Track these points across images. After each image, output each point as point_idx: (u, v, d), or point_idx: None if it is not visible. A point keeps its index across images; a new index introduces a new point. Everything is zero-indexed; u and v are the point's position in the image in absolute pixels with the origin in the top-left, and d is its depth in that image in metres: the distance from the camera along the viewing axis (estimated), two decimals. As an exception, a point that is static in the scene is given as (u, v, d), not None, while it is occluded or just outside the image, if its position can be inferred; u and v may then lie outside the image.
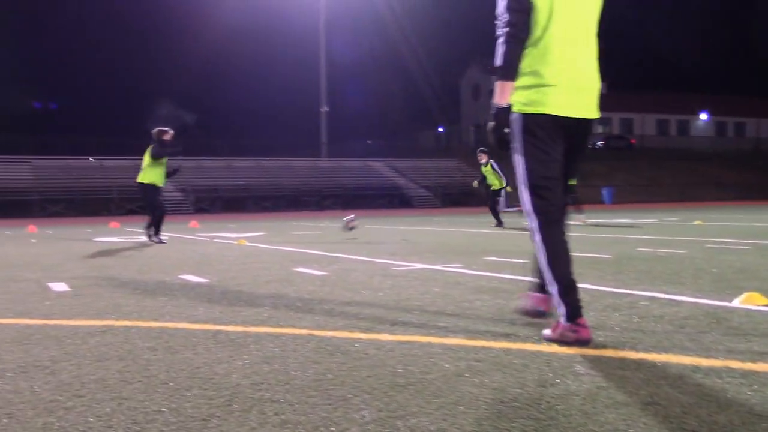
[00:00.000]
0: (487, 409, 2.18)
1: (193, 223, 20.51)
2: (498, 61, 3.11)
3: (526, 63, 3.14)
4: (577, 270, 5.92)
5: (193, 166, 41.34)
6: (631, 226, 14.42)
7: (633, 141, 61.10)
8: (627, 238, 10.26)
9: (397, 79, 71.35)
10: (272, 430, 2.03)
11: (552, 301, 3.20)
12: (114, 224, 20.75)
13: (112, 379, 2.64)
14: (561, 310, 3.11)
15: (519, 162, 3.23)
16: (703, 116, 71.37)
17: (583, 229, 13.07)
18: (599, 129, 67.28)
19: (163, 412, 2.22)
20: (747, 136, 72.79)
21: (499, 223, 15.23)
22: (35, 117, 70.53)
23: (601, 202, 42.08)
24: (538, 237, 3.22)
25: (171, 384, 2.55)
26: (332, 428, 2.04)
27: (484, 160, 15.94)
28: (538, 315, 3.54)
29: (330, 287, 5.18)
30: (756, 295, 4.10)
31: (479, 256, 7.64)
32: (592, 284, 5.00)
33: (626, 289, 4.75)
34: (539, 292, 3.50)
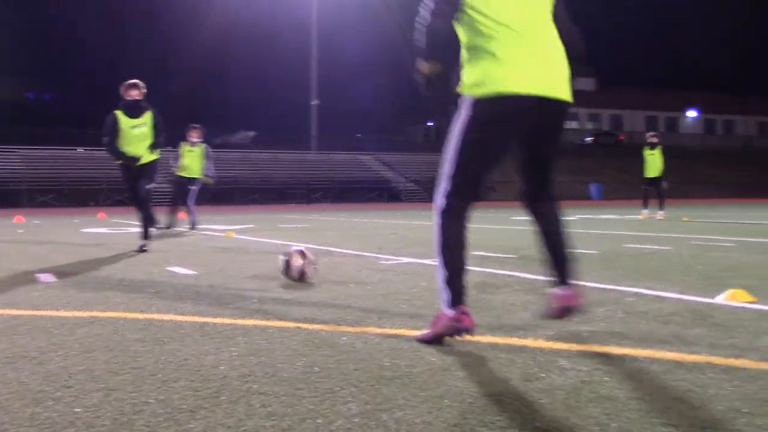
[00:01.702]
0: (472, 403, 2.21)
1: (181, 214, 20.45)
2: (418, 37, 2.97)
3: (481, 41, 2.95)
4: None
5: (182, 157, 41.17)
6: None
7: (622, 137, 61.34)
8: (614, 234, 10.32)
9: (387, 72, 71.21)
10: (259, 421, 2.05)
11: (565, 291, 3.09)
12: (101, 215, 20.67)
13: (100, 370, 2.64)
14: (444, 296, 3.00)
15: (454, 143, 3.03)
16: (692, 113, 71.72)
17: (575, 225, 13.14)
18: (588, 125, 67.59)
19: (151, 403, 2.23)
20: (736, 134, 73.25)
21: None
22: (24, 108, 70.07)
23: (589, 198, 42.27)
24: (438, 220, 3.08)
25: (159, 375, 2.56)
26: (319, 420, 2.06)
27: (195, 138, 12.87)
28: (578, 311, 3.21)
29: (318, 280, 5.19)
30: (740, 292, 4.14)
31: (467, 250, 7.66)
32: (578, 280, 5.03)
33: (612, 284, 4.78)
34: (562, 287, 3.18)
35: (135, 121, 7.92)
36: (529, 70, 2.91)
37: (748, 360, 2.70)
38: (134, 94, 7.91)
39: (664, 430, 1.95)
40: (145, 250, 7.78)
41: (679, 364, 2.65)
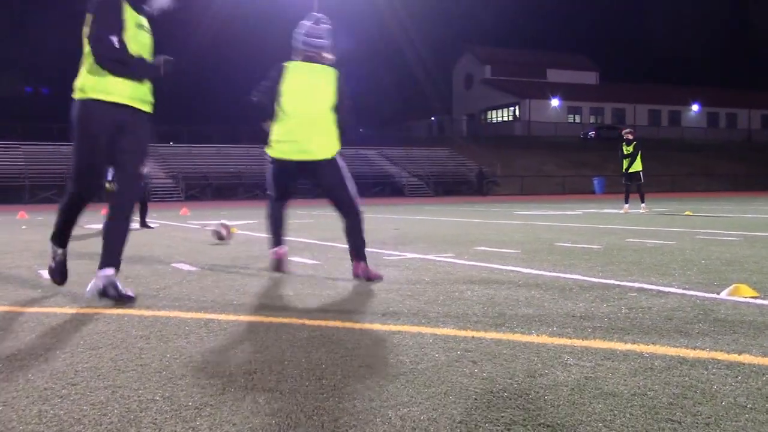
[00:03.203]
0: (476, 399, 2.22)
1: (184, 210, 20.49)
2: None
3: (278, 122, 5.04)
4: (568, 261, 5.96)
5: (184, 153, 41.24)
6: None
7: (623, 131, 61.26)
8: (617, 229, 10.32)
9: (389, 67, 71.25)
10: (265, 419, 2.06)
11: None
12: (105, 211, 20.69)
13: (106, 368, 2.66)
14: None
15: (268, 177, 5.28)
16: (695, 107, 71.59)
17: (579, 219, 13.14)
18: (591, 119, 67.51)
19: (157, 400, 2.25)
20: (739, 127, 73.12)
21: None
22: (25, 103, 70.01)
23: (592, 192, 42.24)
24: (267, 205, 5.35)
25: (164, 372, 2.58)
26: (324, 417, 2.07)
27: None
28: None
29: (322, 276, 5.20)
30: (743, 287, 4.15)
31: (470, 245, 7.67)
32: (581, 275, 5.04)
33: (615, 280, 4.79)
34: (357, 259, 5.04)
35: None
36: (291, 144, 5.00)
37: (752, 355, 2.71)
38: None
39: (668, 426, 1.96)
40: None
41: (682, 360, 2.66)
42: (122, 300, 4.07)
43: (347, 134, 5.20)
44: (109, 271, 4.14)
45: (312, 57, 5.05)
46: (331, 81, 5.02)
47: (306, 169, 5.04)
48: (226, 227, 8.73)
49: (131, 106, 4.23)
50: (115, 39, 4.09)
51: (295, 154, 4.99)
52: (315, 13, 5.19)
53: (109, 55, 4.10)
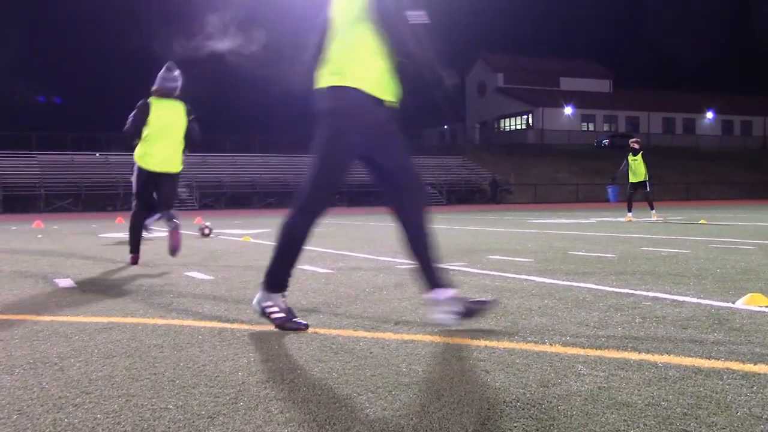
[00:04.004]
0: (489, 409, 2.21)
1: (198, 219, 20.55)
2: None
3: (146, 138, 6.85)
4: (581, 270, 5.94)
5: (199, 162, 41.41)
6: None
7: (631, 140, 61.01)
8: (631, 237, 10.27)
9: (402, 76, 71.33)
10: (277, 428, 2.06)
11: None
12: (120, 220, 20.81)
13: (120, 376, 2.67)
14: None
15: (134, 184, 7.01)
16: (709, 115, 71.23)
17: (592, 228, 13.09)
18: (605, 127, 67.26)
19: (170, 409, 2.25)
20: (754, 134, 72.67)
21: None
22: (41, 113, 70.57)
23: (607, 200, 42.07)
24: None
25: (177, 381, 2.59)
26: (336, 426, 2.07)
27: None
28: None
29: (334, 285, 5.21)
30: (759, 296, 4.11)
31: (483, 254, 7.66)
32: (595, 284, 5.02)
33: (629, 289, 4.77)
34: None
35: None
36: (156, 158, 6.84)
37: (767, 365, 2.68)
38: None
39: (683, 437, 1.94)
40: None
41: (697, 370, 2.64)
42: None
43: (196, 144, 7.22)
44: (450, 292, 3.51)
45: (166, 94, 6.92)
46: (182, 110, 7.01)
47: (157, 181, 6.92)
48: (208, 227, 12.32)
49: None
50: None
51: (161, 164, 6.87)
52: (169, 61, 7.00)
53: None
